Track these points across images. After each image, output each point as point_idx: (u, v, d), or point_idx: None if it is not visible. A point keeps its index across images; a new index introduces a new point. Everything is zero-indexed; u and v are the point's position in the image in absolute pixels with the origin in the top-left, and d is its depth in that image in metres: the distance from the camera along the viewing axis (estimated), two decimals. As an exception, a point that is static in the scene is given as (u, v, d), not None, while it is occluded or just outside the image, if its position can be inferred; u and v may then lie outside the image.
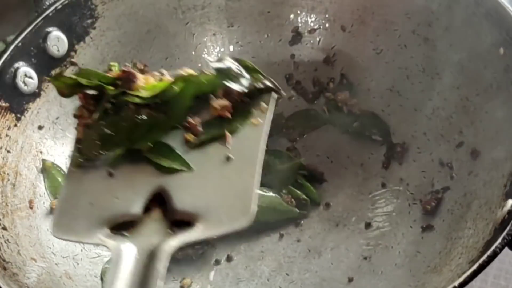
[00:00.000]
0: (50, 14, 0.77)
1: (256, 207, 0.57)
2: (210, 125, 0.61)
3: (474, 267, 0.58)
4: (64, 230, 0.58)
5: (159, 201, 0.58)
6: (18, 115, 0.75)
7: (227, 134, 0.60)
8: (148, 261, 0.54)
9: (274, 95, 0.62)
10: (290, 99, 0.87)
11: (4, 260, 0.66)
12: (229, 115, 0.60)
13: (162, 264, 0.53)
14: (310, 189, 0.81)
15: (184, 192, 0.58)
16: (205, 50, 0.87)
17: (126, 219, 0.57)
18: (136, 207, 0.57)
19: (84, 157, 0.60)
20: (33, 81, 0.76)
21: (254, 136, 0.60)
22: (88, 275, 0.72)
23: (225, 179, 0.59)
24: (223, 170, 0.59)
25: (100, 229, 0.57)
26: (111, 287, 0.51)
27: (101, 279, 0.73)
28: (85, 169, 0.60)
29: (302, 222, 0.80)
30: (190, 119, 0.60)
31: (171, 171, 0.59)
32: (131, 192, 0.59)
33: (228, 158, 0.59)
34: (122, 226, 0.57)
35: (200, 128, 0.60)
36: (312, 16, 0.87)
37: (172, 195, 0.58)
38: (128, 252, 0.54)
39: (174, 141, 0.60)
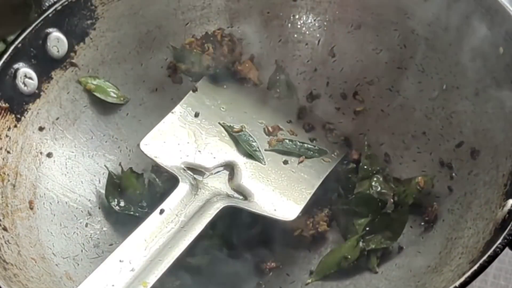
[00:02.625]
0: (50, 15, 0.77)
1: (300, 213, 0.73)
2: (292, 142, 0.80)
3: (475, 267, 0.58)
4: (151, 150, 0.76)
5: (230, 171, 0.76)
6: (18, 116, 0.75)
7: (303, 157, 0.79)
8: (202, 204, 0.70)
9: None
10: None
11: (4, 261, 0.66)
12: None
13: (210, 212, 0.70)
14: None
15: (249, 174, 0.75)
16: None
17: (199, 168, 0.75)
18: (210, 164, 0.76)
19: None
20: (33, 82, 0.76)
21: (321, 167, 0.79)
22: (89, 276, 0.72)
23: (287, 182, 0.76)
24: (287, 174, 0.77)
25: (178, 163, 0.75)
26: (164, 203, 0.69)
27: None
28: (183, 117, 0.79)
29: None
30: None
31: (249, 156, 0.77)
32: (211, 154, 0.77)
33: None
34: (194, 170, 0.75)
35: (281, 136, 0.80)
36: (311, 16, 0.87)
37: (240, 172, 0.75)
38: (191, 189, 0.72)
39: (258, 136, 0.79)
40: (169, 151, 0.76)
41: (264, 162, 0.77)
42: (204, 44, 0.84)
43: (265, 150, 0.79)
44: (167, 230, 0.67)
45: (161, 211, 0.69)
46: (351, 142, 0.83)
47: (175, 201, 0.70)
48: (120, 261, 0.65)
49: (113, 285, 0.63)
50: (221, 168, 0.76)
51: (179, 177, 0.72)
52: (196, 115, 0.80)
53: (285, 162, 0.78)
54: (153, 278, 0.64)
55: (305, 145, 0.80)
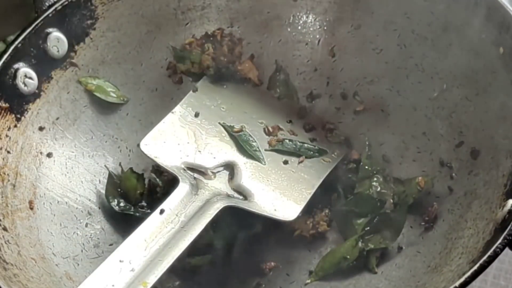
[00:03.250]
0: (50, 15, 0.77)
1: (300, 213, 0.73)
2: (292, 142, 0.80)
3: (475, 267, 0.58)
4: (151, 150, 0.76)
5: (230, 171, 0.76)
6: (18, 116, 0.75)
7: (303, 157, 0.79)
8: (202, 204, 0.70)
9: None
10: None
11: (4, 261, 0.66)
12: None
13: (210, 212, 0.69)
14: None
15: (250, 174, 0.75)
16: (205, 50, 0.87)
17: (199, 168, 0.75)
18: (210, 164, 0.76)
19: None
20: (33, 82, 0.76)
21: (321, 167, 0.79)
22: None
23: (287, 182, 0.76)
24: (287, 174, 0.77)
25: (178, 163, 0.75)
26: (164, 203, 0.69)
27: None
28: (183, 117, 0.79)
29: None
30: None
31: (249, 156, 0.77)
32: (211, 154, 0.77)
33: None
34: (194, 170, 0.74)
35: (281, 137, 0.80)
36: (311, 16, 0.87)
37: (240, 172, 0.75)
38: (191, 189, 0.71)
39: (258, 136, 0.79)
40: (169, 151, 0.76)
41: (264, 162, 0.77)
42: (204, 44, 0.84)
43: (265, 150, 0.79)
44: (167, 230, 0.67)
45: (161, 211, 0.69)
46: (351, 142, 0.83)
47: (175, 201, 0.70)
48: (120, 261, 0.65)
49: (113, 285, 0.63)
50: (221, 168, 0.76)
51: (179, 177, 0.72)
52: (196, 115, 0.80)
53: (285, 162, 0.78)
54: (153, 278, 0.64)
55: (305, 145, 0.80)
